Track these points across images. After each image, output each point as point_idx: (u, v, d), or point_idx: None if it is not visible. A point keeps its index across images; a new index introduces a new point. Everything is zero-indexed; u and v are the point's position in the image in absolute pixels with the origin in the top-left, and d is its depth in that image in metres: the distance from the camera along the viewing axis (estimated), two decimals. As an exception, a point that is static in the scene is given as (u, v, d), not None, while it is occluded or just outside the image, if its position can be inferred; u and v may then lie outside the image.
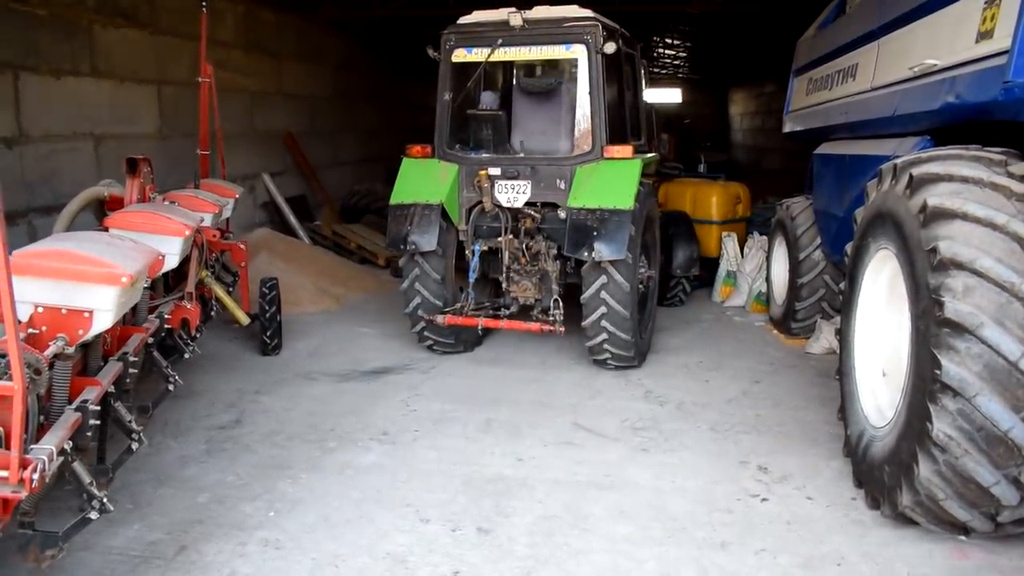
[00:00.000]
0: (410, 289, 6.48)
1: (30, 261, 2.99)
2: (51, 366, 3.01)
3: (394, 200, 6.51)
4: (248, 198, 10.79)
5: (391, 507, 4.09)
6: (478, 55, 6.46)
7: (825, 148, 6.56)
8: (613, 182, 5.94)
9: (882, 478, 3.78)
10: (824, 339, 6.69)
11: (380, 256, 10.88)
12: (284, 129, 12.13)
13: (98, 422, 3.08)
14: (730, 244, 8.69)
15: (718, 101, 27.77)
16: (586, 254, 5.78)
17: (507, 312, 6.68)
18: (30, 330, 3.00)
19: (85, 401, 3.03)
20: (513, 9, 6.29)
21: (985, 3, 3.75)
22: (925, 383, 3.38)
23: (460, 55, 6.53)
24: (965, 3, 4.00)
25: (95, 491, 3.06)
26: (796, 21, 11.38)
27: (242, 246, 6.62)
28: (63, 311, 3.05)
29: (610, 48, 6.07)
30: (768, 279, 7.90)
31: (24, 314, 3.00)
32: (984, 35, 3.74)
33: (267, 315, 6.58)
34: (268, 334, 6.66)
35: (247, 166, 10.85)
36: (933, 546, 3.66)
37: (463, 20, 6.66)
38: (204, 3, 7.25)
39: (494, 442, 4.95)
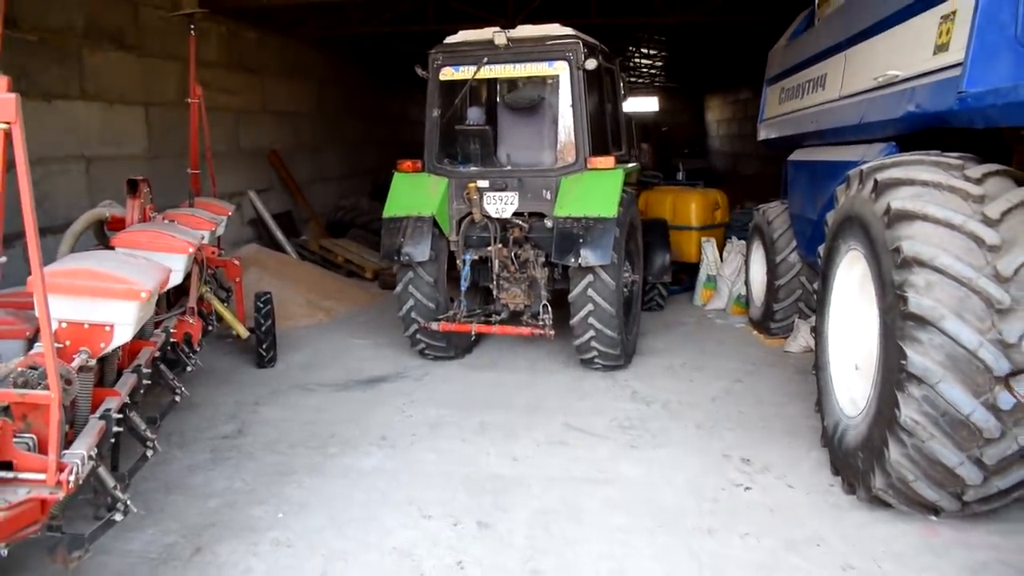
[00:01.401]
0: (404, 293, 6.69)
1: (54, 279, 3.17)
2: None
3: (387, 213, 6.74)
4: (236, 215, 10.93)
5: (394, 506, 4.29)
6: (465, 73, 6.69)
7: (798, 155, 6.84)
8: (597, 191, 6.18)
9: (856, 464, 4.03)
10: (802, 338, 6.95)
11: (368, 269, 11.07)
12: (268, 146, 12.32)
13: (120, 430, 3.26)
14: (709, 249, 8.95)
15: (695, 108, 28.20)
16: (572, 260, 6.02)
17: (498, 318, 6.90)
18: (55, 344, 3.18)
19: (108, 410, 3.22)
20: (497, 28, 6.54)
21: (941, 18, 4.03)
22: (892, 373, 3.63)
23: (447, 73, 6.75)
24: (924, 17, 4.27)
25: (119, 494, 3.24)
26: (770, 30, 11.73)
27: (236, 262, 6.79)
28: (85, 326, 3.24)
29: (591, 64, 6.33)
30: (747, 282, 8.17)
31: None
32: (940, 47, 4.02)
33: (263, 328, 6.76)
34: (264, 347, 6.83)
35: (233, 183, 11.02)
36: (906, 526, 3.90)
37: (449, 40, 6.89)
38: (192, 25, 7.44)
39: (489, 443, 5.16)
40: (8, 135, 2.57)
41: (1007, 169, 3.80)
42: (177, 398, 4.76)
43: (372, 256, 11.51)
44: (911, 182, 3.80)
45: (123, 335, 3.31)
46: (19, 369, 2.86)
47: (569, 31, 6.57)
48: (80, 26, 8.08)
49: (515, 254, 6.70)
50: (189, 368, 5.30)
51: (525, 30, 6.64)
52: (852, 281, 4.53)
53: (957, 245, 3.51)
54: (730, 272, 8.66)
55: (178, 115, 9.38)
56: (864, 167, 4.22)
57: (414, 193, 6.74)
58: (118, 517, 3.26)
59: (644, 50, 20.04)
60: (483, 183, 6.60)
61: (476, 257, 6.81)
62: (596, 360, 6.46)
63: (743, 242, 8.56)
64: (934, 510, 3.81)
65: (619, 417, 5.58)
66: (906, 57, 4.48)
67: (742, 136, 21.59)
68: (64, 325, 3.22)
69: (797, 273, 7.04)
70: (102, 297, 3.21)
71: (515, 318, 6.94)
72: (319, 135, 14.21)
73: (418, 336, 6.81)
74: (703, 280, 9.01)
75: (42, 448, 2.85)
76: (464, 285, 6.80)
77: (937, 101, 3.98)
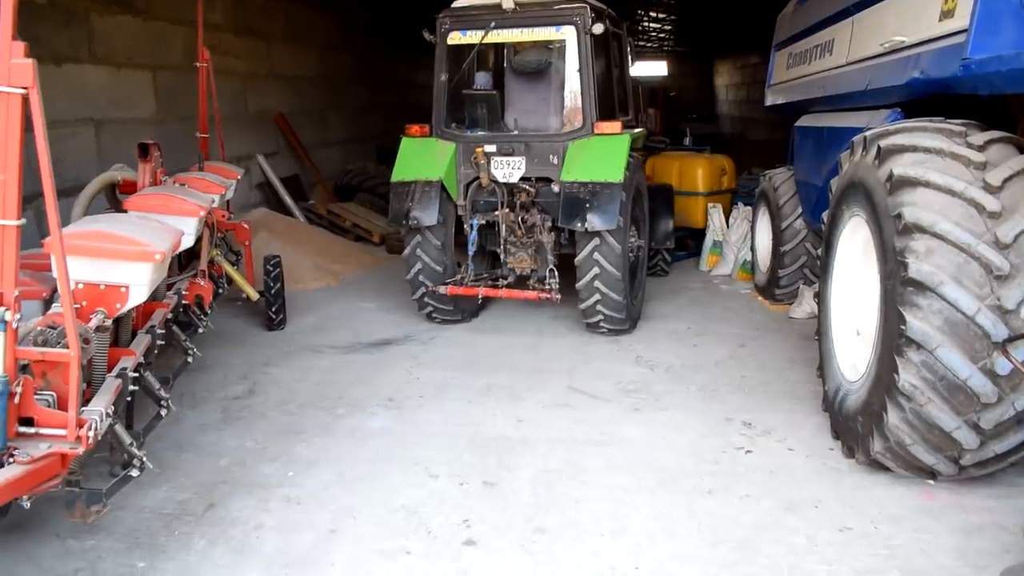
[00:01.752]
0: (412, 256, 6.76)
1: (71, 241, 3.23)
2: (90, 338, 3.28)
3: (395, 178, 6.78)
4: (244, 179, 10.98)
5: (401, 465, 4.39)
6: (472, 37, 6.70)
7: (805, 121, 6.83)
8: (604, 156, 6.21)
9: (856, 428, 4.10)
10: (806, 304, 7.00)
11: (375, 233, 11.12)
12: (275, 110, 12.31)
13: (135, 389, 3.35)
14: (716, 215, 8.97)
15: (703, 73, 27.96)
16: (579, 225, 6.07)
17: (505, 282, 6.96)
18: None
19: (124, 369, 3.31)
20: None
21: (948, -16, 4.01)
22: (892, 338, 3.68)
23: (455, 38, 6.76)
24: (931, -18, 4.26)
25: (136, 451, 3.34)
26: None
27: (246, 225, 6.86)
28: (101, 287, 3.31)
29: (598, 29, 6.33)
30: (753, 248, 8.20)
31: (65, 290, 3.26)
32: (946, 14, 4.01)
33: (272, 291, 6.84)
34: (273, 309, 6.92)
35: (241, 147, 11.04)
36: (904, 489, 3.98)
37: (457, 3, 6.88)
38: None
39: (495, 405, 5.25)
40: (26, 100, 2.61)
41: (1010, 136, 3.82)
42: (189, 359, 4.85)
43: (379, 220, 11.56)
44: (914, 148, 3.82)
45: (138, 296, 3.39)
46: (39, 328, 2.94)
47: None
48: (89, -10, 8.08)
49: (522, 218, 6.76)
50: (200, 330, 5.39)
51: None
52: (855, 247, 4.57)
53: (958, 211, 3.54)
54: (736, 238, 8.69)
55: (185, 79, 9.38)
56: (868, 133, 4.24)
57: (422, 157, 6.78)
58: (135, 473, 3.36)
59: (653, 14, 19.83)
60: (490, 148, 6.64)
61: (483, 221, 6.86)
62: (602, 324, 6.53)
63: (749, 208, 8.58)
64: (931, 474, 3.89)
65: (623, 380, 5.66)
66: (912, 23, 4.47)
67: (751, 101, 21.44)
68: (81, 286, 3.30)
69: (802, 239, 7.07)
70: (117, 259, 3.28)
71: (522, 282, 7.00)
72: (324, 99, 14.18)
73: (426, 300, 6.89)
74: (709, 246, 9.05)
75: (61, 405, 2.94)
76: (471, 249, 6.88)
77: (942, 67, 3.98)
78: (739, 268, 8.60)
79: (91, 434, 2.84)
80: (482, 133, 6.82)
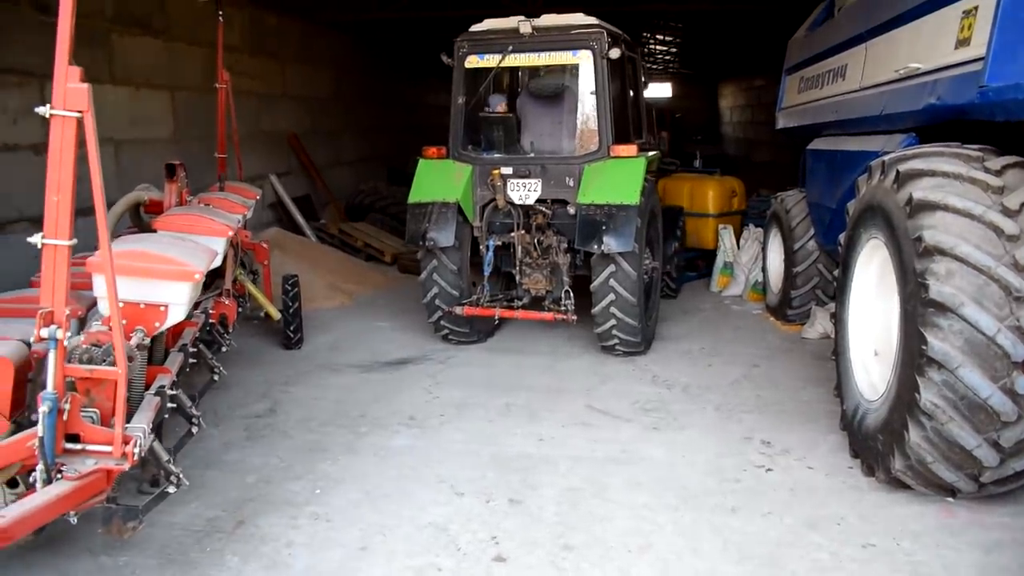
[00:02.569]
0: (428, 280, 6.83)
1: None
2: (131, 356, 3.35)
3: (412, 199, 6.85)
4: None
5: (427, 483, 4.44)
6: (490, 61, 6.81)
7: (817, 144, 6.93)
8: (620, 179, 6.30)
9: (876, 446, 4.16)
10: (819, 324, 7.07)
11: (387, 253, 11.22)
12: (288, 130, 12.46)
13: (174, 406, 3.42)
14: (727, 236, 9.06)
15: (707, 95, 28.17)
16: (595, 247, 6.15)
17: (520, 303, 7.02)
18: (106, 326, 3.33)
19: (163, 387, 3.38)
20: (522, 18, 6.66)
21: (963, 13, 4.12)
22: (913, 358, 3.75)
23: (473, 61, 6.87)
24: (945, 12, 4.36)
25: (172, 467, 3.40)
26: (786, 18, 11.77)
27: (264, 245, 6.95)
28: (141, 305, 3.40)
29: (615, 54, 6.44)
30: (764, 269, 8.28)
31: (106, 310, 3.34)
32: (962, 42, 4.11)
33: (290, 310, 6.91)
34: (291, 328, 6.99)
35: (255, 167, 11.16)
36: (923, 507, 4.03)
37: (475, 28, 7.01)
38: (220, 12, 7.55)
39: (515, 424, 5.31)
40: (80, 123, 2.70)
41: (1027, 161, 3.90)
42: (215, 377, 4.92)
43: (391, 240, 11.67)
44: (932, 173, 3.90)
45: (176, 315, 3.47)
46: (84, 346, 3.01)
47: (593, 20, 6.68)
48: (109, 11, 8.22)
49: (538, 240, 6.82)
50: (224, 348, 5.46)
51: (549, 19, 6.74)
52: (872, 269, 4.65)
53: (977, 235, 3.63)
54: (747, 259, 8.77)
55: (203, 99, 9.52)
56: (886, 158, 4.33)
57: (439, 179, 6.86)
58: (171, 489, 3.42)
59: (659, 36, 20.05)
60: (507, 170, 6.73)
61: (499, 243, 6.93)
62: (617, 347, 6.60)
63: (760, 230, 8.66)
64: (951, 491, 3.94)
65: (640, 400, 5.72)
66: (927, 50, 4.58)
67: (755, 123, 21.61)
68: (121, 304, 3.37)
69: (815, 261, 7.15)
70: (157, 278, 3.37)
71: (536, 303, 7.07)
72: (336, 120, 14.35)
73: (442, 322, 6.95)
74: (720, 267, 9.13)
75: (103, 422, 3.01)
76: (487, 270, 6.94)
77: (958, 94, 4.08)
78: (750, 289, 8.67)
79: (136, 451, 2.91)
80: (498, 155, 6.93)
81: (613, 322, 6.39)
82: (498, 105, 7.24)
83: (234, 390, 5.96)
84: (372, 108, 16.12)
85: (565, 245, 6.75)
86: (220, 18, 7.54)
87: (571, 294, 6.71)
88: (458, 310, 6.77)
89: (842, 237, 4.93)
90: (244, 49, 11.06)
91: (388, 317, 8.24)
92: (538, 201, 6.75)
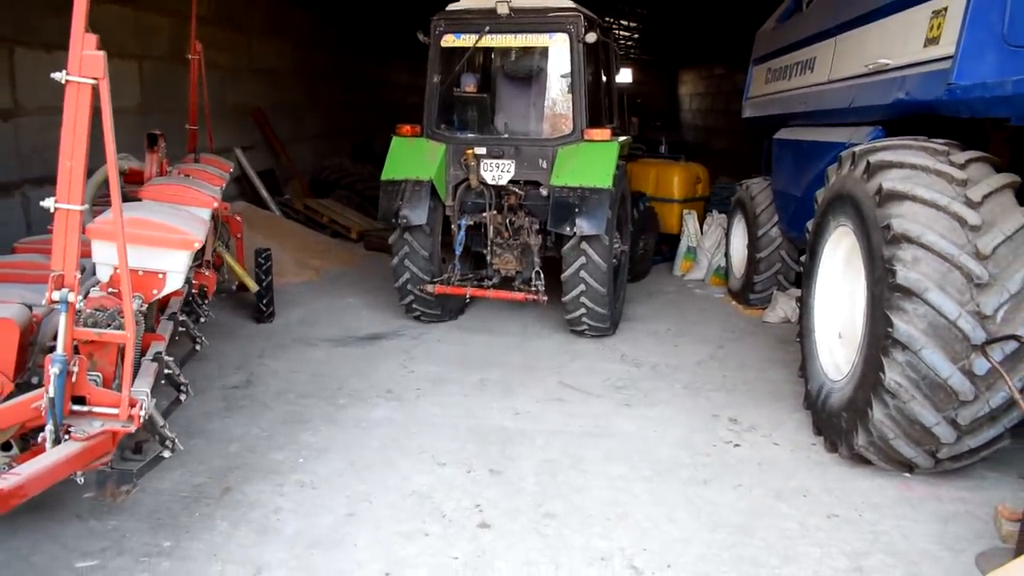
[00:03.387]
0: (400, 266, 6.89)
1: (111, 228, 3.34)
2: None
3: (385, 176, 6.86)
4: (222, 172, 11.02)
5: (408, 454, 4.56)
6: (466, 40, 6.85)
7: (783, 133, 7.15)
8: (593, 163, 6.43)
9: (840, 424, 4.38)
10: (780, 309, 7.33)
11: (353, 230, 11.21)
12: (253, 104, 12.33)
13: (170, 372, 3.47)
14: (691, 221, 9.28)
15: (667, 81, 28.45)
16: (568, 229, 6.26)
17: (490, 283, 7.13)
18: (110, 290, 3.37)
19: (159, 352, 3.43)
20: None
21: (932, 13, 4.33)
22: (879, 339, 3.97)
23: (449, 40, 6.89)
24: (915, 10, 4.58)
25: (167, 432, 3.46)
26: (749, 8, 11.99)
27: (238, 218, 6.94)
28: (140, 272, 3.43)
29: (591, 38, 6.55)
30: (727, 254, 8.52)
31: (104, 275, 3.38)
32: (931, 41, 4.33)
33: (263, 284, 6.93)
34: (264, 302, 7.01)
35: (220, 141, 10.96)
36: (883, 481, 4.27)
37: (452, 7, 7.03)
38: None
39: (490, 399, 5.45)
40: (95, 90, 2.74)
41: (987, 156, 4.14)
42: (197, 347, 4.95)
43: (356, 217, 11.66)
44: (901, 165, 4.11)
45: (174, 282, 3.51)
46: (87, 310, 3.04)
47: (570, 3, 6.75)
48: (78, -23, 8.07)
49: (509, 220, 6.92)
50: (202, 319, 5.48)
51: (527, 1, 6.77)
52: (839, 255, 4.87)
53: (942, 224, 3.84)
54: (709, 244, 9.00)
55: (169, 70, 9.41)
56: (857, 149, 4.53)
57: (413, 157, 6.88)
58: (166, 454, 3.48)
59: (623, 22, 20.20)
60: (480, 150, 6.77)
61: (471, 222, 7.01)
62: (586, 331, 6.76)
63: (723, 216, 8.90)
64: (909, 467, 4.19)
65: (611, 377, 5.89)
66: (897, 47, 4.79)
67: (714, 111, 21.92)
68: (117, 271, 3.40)
69: (778, 247, 7.40)
70: (157, 246, 3.40)
71: (506, 283, 7.17)
72: (299, 95, 14.20)
73: (413, 304, 7.03)
74: (683, 251, 9.35)
75: (106, 385, 3.06)
76: (459, 249, 7.00)
77: (927, 91, 4.29)
78: (712, 273, 8.91)
79: (143, 413, 2.97)
80: (472, 135, 6.99)
81: (583, 311, 6.54)
82: (472, 85, 7.26)
83: (209, 362, 5.97)
84: (334, 84, 15.97)
85: (537, 226, 6.86)
86: (195, -11, 7.46)
87: (541, 275, 6.83)
88: (429, 288, 6.85)
89: (810, 224, 5.13)
90: (212, 20, 10.90)
91: (357, 293, 8.29)
92: (511, 182, 6.83)
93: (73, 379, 2.83)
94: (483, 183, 6.84)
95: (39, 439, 2.87)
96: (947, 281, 3.77)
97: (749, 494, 4.16)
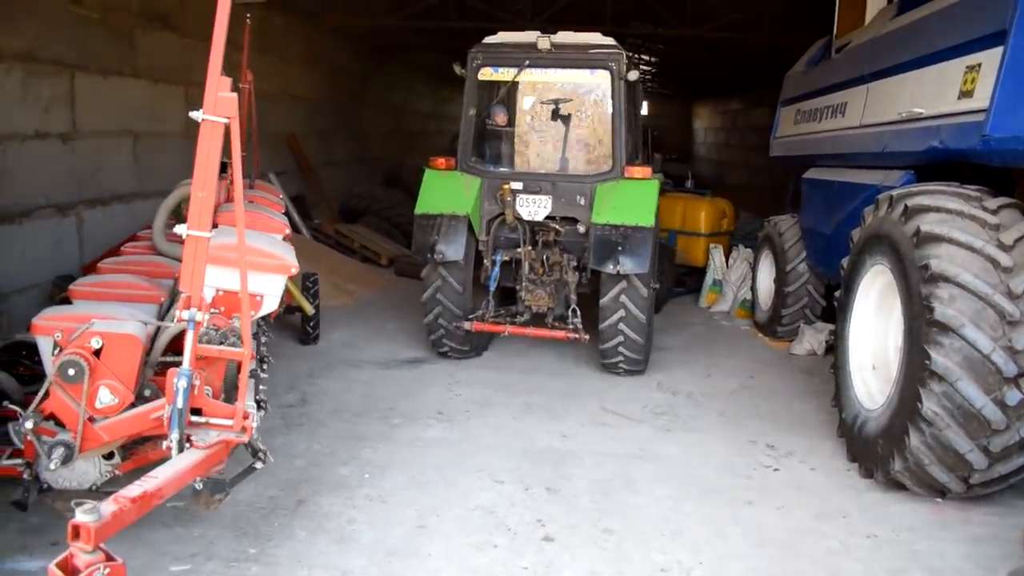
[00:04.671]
0: (431, 300, 6.79)
1: (215, 252, 3.62)
2: (226, 341, 3.67)
3: (420, 210, 6.78)
4: (257, 197, 11.38)
5: (467, 472, 4.82)
6: (504, 74, 6.89)
7: (813, 173, 7.45)
8: (634, 201, 6.47)
9: (876, 450, 4.64)
10: (807, 342, 7.59)
11: (383, 256, 11.54)
12: (287, 130, 12.73)
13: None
14: (717, 255, 9.58)
15: (682, 115, 28.91)
16: (611, 267, 6.26)
17: (521, 319, 6.98)
18: (212, 310, 3.66)
19: (255, 369, 3.71)
20: (540, 33, 6.76)
21: (967, 68, 4.65)
22: (916, 371, 4.24)
23: (487, 73, 6.91)
24: (949, 64, 4.89)
25: (260, 445, 3.72)
26: (769, 47, 12.38)
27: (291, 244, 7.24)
28: (239, 295, 3.71)
29: (633, 76, 6.70)
30: (753, 287, 8.80)
31: (209, 296, 3.66)
32: (965, 94, 4.64)
33: (314, 306, 7.23)
34: (311, 324, 7.30)
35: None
36: (917, 505, 4.52)
37: (489, 40, 7.04)
38: (248, 14, 7.82)
39: (537, 422, 5.71)
40: (227, 128, 3.04)
41: (1017, 202, 4.44)
42: (264, 366, 5.22)
43: (386, 243, 12.00)
44: (938, 209, 4.40)
45: (270, 305, 3.80)
46: (202, 328, 3.32)
47: (611, 41, 6.85)
48: (135, 7, 8.46)
49: (545, 256, 6.85)
50: (264, 340, 5.75)
51: (567, 36, 6.79)
52: (874, 291, 5.15)
53: (977, 265, 4.13)
54: (735, 278, 9.29)
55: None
56: (894, 192, 4.82)
57: (448, 191, 6.80)
58: (258, 465, 3.74)
59: (641, 56, 20.66)
60: (517, 185, 6.74)
61: (506, 258, 6.90)
62: (620, 365, 6.69)
63: (749, 250, 9.19)
64: (942, 492, 4.44)
65: (650, 404, 6.16)
66: (930, 98, 5.10)
67: (729, 145, 22.31)
68: (221, 293, 3.69)
69: (805, 282, 7.68)
70: (257, 271, 3.68)
71: (537, 319, 7.05)
72: (330, 122, 14.64)
73: (443, 340, 6.93)
74: (709, 284, 9.64)
75: (214, 398, 3.34)
76: (492, 285, 6.91)
77: (961, 140, 4.60)
78: (738, 306, 9.19)
79: (255, 425, 3.25)
80: (508, 170, 7.04)
81: (620, 339, 6.48)
82: (509, 118, 7.33)
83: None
84: (362, 111, 16.43)
85: (574, 263, 6.83)
86: (248, 19, 7.82)
87: (578, 312, 6.78)
88: (467, 325, 6.74)
89: (845, 261, 5.41)
90: (253, 49, 11.28)
91: (395, 318, 8.57)
92: (547, 218, 6.78)
93: (195, 392, 3.11)
94: (518, 219, 6.79)
95: (151, 446, 3.13)
96: (981, 318, 4.05)
97: (791, 515, 4.41)
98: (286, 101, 12.68)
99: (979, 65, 4.53)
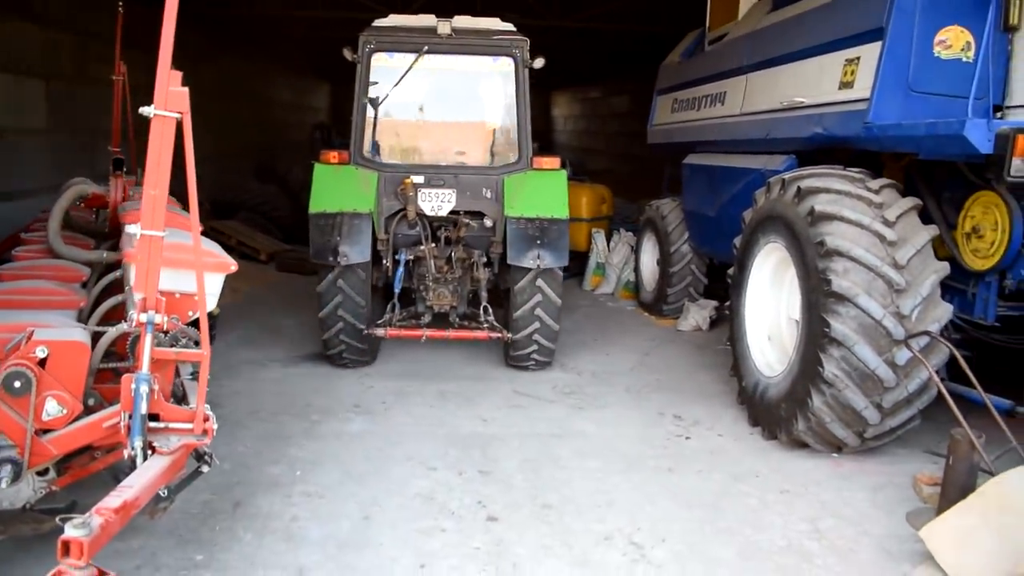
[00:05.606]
0: (332, 316, 6.30)
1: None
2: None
3: (315, 208, 6.25)
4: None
5: (398, 461, 4.86)
6: (401, 61, 6.43)
7: (694, 159, 7.88)
8: (547, 193, 6.32)
9: (778, 413, 5.05)
10: (692, 318, 8.06)
11: (262, 252, 11.24)
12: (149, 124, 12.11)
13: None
14: (599, 239, 9.95)
15: (541, 104, 29.46)
16: (531, 262, 6.09)
17: (425, 320, 6.74)
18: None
19: (194, 373, 3.62)
20: (439, 17, 6.49)
21: (846, 61, 5.10)
22: (816, 338, 4.65)
23: (381, 59, 6.45)
24: (828, 57, 5.35)
25: (206, 448, 3.64)
26: (630, 37, 12.84)
27: (179, 242, 6.97)
28: (176, 295, 3.60)
29: (538, 63, 6.54)
30: (636, 269, 9.21)
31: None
32: (845, 84, 5.10)
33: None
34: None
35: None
36: (817, 461, 4.95)
37: (381, 23, 6.64)
38: (121, 2, 7.43)
39: (455, 408, 5.82)
40: (179, 123, 2.96)
41: (895, 183, 4.93)
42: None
43: (264, 239, 11.69)
44: (827, 190, 4.82)
45: (209, 304, 3.70)
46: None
47: (511, 27, 6.71)
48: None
49: (452, 253, 6.58)
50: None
51: (467, 21, 6.58)
52: (767, 268, 5.56)
53: (866, 240, 4.57)
54: (617, 260, 9.69)
55: (75, 90, 9.24)
56: (785, 176, 5.23)
57: (344, 187, 6.32)
58: (205, 469, 3.65)
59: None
60: (418, 179, 6.36)
61: (411, 257, 6.53)
62: (533, 356, 6.53)
63: (630, 233, 9.61)
64: (839, 447, 4.90)
65: (559, 384, 6.39)
66: (811, 87, 5.56)
67: (590, 133, 22.99)
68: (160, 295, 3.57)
69: (688, 262, 8.15)
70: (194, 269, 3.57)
71: (439, 320, 6.82)
72: (192, 113, 14.01)
73: (344, 354, 6.49)
74: (592, 267, 10.00)
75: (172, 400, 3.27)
76: (398, 287, 6.51)
77: (844, 127, 5.06)
78: (622, 287, 9.60)
79: (215, 427, 3.19)
80: (407, 163, 6.65)
81: (536, 325, 6.36)
82: (406, 109, 7.00)
83: (167, 384, 6.02)
84: (223, 101, 15.82)
85: (485, 259, 6.61)
86: (120, 8, 7.43)
87: (490, 309, 6.58)
88: (379, 332, 6.38)
89: (738, 241, 5.81)
90: (107, 38, 10.70)
91: (288, 314, 8.42)
92: (451, 212, 6.48)
93: (155, 396, 3.02)
94: (420, 214, 6.44)
95: (87, 458, 3.01)
96: (873, 288, 4.49)
97: (710, 478, 4.74)
98: (146, 92, 12.04)
99: (858, 58, 4.98)
